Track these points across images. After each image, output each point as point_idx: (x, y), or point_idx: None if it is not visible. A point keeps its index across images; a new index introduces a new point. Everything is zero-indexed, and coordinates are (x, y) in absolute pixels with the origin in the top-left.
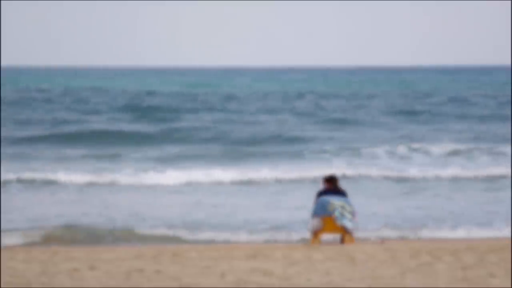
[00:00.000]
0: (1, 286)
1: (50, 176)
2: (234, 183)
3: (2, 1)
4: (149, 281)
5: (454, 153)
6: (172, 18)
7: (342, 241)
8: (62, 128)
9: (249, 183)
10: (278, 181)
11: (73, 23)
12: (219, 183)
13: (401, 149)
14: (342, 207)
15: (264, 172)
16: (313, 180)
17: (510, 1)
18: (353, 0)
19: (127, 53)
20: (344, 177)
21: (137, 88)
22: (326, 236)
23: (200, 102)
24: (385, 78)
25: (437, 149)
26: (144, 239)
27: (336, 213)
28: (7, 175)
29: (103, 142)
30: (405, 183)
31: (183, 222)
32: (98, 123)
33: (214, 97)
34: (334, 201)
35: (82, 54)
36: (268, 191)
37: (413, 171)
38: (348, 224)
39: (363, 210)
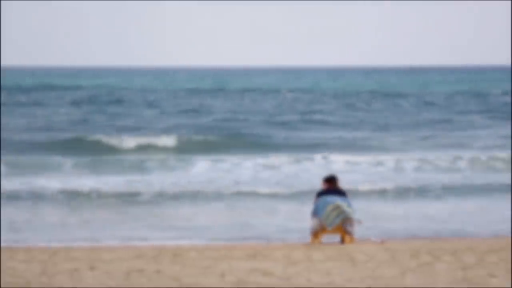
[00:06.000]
0: (1, 286)
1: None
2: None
3: (2, 1)
4: (149, 281)
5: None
6: (172, 18)
7: (342, 241)
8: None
9: None
10: None
11: (74, 23)
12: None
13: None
14: (339, 209)
15: None
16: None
17: (510, 1)
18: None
19: (130, 53)
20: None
21: (178, 87)
22: (326, 236)
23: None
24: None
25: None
26: None
27: (327, 222)
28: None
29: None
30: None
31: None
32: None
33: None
34: (332, 203)
35: (83, 54)
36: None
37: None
38: (340, 221)
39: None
